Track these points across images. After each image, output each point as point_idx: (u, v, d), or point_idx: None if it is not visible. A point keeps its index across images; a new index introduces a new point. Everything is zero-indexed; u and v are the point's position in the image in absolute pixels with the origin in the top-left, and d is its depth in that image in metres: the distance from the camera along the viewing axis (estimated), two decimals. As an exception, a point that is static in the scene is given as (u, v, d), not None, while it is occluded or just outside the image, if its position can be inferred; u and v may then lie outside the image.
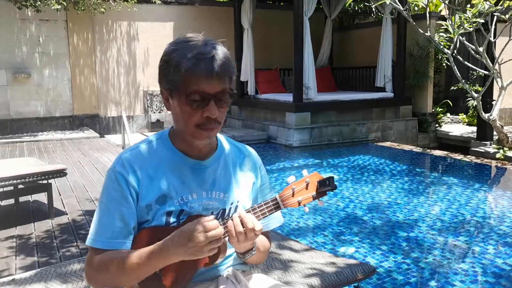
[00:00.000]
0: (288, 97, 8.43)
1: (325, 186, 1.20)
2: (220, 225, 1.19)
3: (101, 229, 1.23)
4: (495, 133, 7.26)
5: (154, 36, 9.69)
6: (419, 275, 2.96)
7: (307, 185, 1.22)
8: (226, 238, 1.22)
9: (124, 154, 1.29)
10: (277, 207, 1.22)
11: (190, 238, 1.11)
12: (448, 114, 10.34)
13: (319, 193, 1.21)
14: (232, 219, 1.20)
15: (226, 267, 1.37)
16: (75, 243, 3.22)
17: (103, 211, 1.24)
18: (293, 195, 1.22)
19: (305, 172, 1.24)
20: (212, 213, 1.30)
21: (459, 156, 6.82)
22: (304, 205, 1.23)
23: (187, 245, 1.11)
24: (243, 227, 1.18)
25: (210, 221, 1.13)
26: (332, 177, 1.20)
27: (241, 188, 1.37)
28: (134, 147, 1.32)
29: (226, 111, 1.24)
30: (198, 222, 1.13)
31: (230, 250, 1.36)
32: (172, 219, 1.26)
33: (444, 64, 9.45)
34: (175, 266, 1.21)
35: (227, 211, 1.33)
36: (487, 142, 7.49)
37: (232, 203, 1.34)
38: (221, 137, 1.40)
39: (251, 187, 1.40)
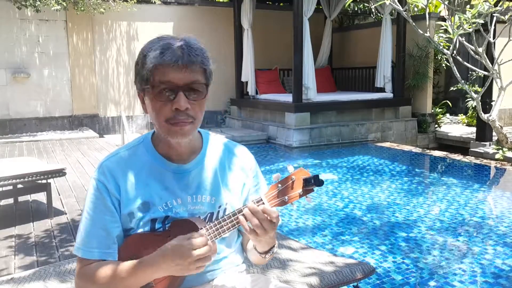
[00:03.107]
0: (287, 98, 8.44)
1: (310, 184, 1.15)
2: (207, 227, 1.17)
3: (85, 238, 1.22)
4: (494, 133, 7.26)
5: (154, 36, 9.63)
6: (418, 275, 2.96)
7: (292, 182, 1.16)
8: (217, 241, 1.19)
9: (104, 161, 1.26)
10: None
11: (177, 254, 1.09)
12: (448, 115, 10.34)
13: (306, 191, 1.16)
14: (244, 214, 1.15)
15: (221, 270, 1.34)
16: (74, 243, 3.21)
17: (86, 219, 1.22)
18: (279, 194, 1.17)
19: (290, 168, 1.18)
20: (199, 218, 1.26)
21: (458, 157, 6.82)
22: (292, 203, 1.17)
23: (174, 261, 1.09)
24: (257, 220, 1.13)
25: (199, 237, 1.10)
26: (317, 175, 1.15)
27: (230, 190, 1.32)
28: (115, 153, 1.28)
29: (201, 106, 1.18)
30: (186, 237, 1.10)
31: (224, 253, 1.34)
32: (157, 225, 1.23)
33: (443, 65, 9.46)
34: None
35: (215, 215, 1.29)
36: (486, 143, 7.49)
37: (220, 206, 1.30)
38: (211, 137, 1.36)
39: (241, 189, 1.34)
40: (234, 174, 1.34)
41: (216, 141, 1.36)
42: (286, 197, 1.16)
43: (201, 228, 1.18)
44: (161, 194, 1.24)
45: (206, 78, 1.18)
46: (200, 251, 1.09)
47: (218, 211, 1.30)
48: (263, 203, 1.16)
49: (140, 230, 1.23)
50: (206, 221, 1.27)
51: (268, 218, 1.14)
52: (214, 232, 1.17)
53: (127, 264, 1.16)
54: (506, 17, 6.32)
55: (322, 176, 1.19)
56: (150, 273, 1.14)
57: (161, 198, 1.24)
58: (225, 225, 1.18)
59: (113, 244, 1.22)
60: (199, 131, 1.33)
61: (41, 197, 4.27)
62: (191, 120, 1.17)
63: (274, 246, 1.28)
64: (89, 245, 1.21)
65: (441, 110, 9.74)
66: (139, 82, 1.19)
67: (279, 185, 1.17)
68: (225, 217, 1.19)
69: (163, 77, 1.13)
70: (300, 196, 1.16)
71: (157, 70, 1.13)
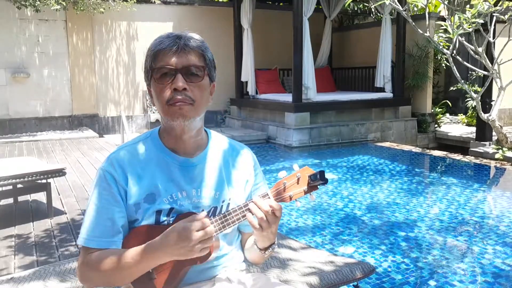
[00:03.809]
0: (287, 97, 8.44)
1: (316, 180, 1.19)
2: (213, 220, 1.19)
3: (91, 227, 1.23)
4: (494, 133, 7.26)
5: (154, 36, 9.36)
6: (418, 275, 2.96)
7: (298, 179, 1.21)
8: (220, 235, 1.22)
9: (113, 153, 1.29)
10: None
11: (180, 237, 1.11)
12: (447, 115, 10.35)
13: (311, 187, 1.20)
14: (250, 209, 1.19)
15: (222, 267, 1.36)
16: (74, 242, 3.22)
17: (92, 209, 1.24)
18: (284, 190, 1.21)
19: (296, 166, 1.23)
20: (202, 211, 1.28)
21: (458, 157, 6.82)
22: (296, 200, 1.22)
23: (178, 245, 1.11)
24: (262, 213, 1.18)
25: (200, 219, 1.12)
26: (323, 171, 1.19)
27: (233, 186, 1.36)
28: (124, 145, 1.32)
29: (201, 89, 1.23)
30: (188, 220, 1.12)
31: (225, 250, 1.35)
32: (162, 218, 1.25)
33: (443, 65, 9.46)
34: (168, 264, 1.21)
35: (218, 209, 1.32)
36: (486, 143, 7.49)
37: (223, 201, 1.33)
38: (214, 135, 1.40)
39: (244, 185, 1.38)
40: (238, 171, 1.38)
41: (220, 139, 1.41)
42: (291, 193, 1.20)
43: None
44: (167, 186, 1.26)
45: (205, 63, 1.25)
46: (203, 232, 1.11)
47: (222, 206, 1.33)
48: (269, 198, 1.21)
49: (144, 222, 1.25)
50: (210, 215, 1.30)
51: (272, 211, 1.19)
52: (219, 225, 1.20)
53: (132, 251, 1.18)
54: (506, 16, 6.32)
55: None
56: (156, 258, 1.15)
57: (167, 190, 1.26)
58: (230, 219, 1.21)
59: (118, 234, 1.24)
60: (204, 130, 1.37)
61: (41, 197, 4.27)
62: (190, 102, 1.21)
63: (273, 243, 1.32)
64: (94, 234, 1.22)
65: (441, 110, 9.74)
66: (145, 74, 1.27)
67: (285, 181, 1.21)
68: (230, 211, 1.21)
69: (162, 62, 1.21)
70: (305, 192, 1.20)
71: (157, 57, 1.22)
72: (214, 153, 1.36)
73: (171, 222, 1.25)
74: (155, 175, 1.26)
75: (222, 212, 1.29)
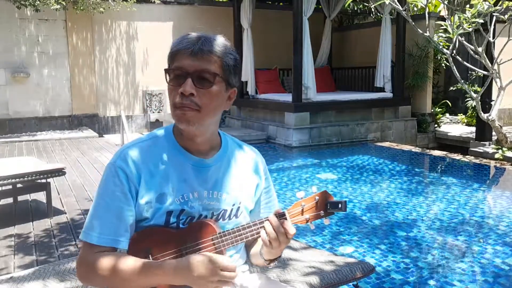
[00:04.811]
0: (287, 97, 8.43)
1: (336, 208, 1.20)
2: (225, 233, 1.20)
3: (97, 224, 1.18)
4: (494, 133, 7.27)
5: (154, 36, 9.68)
6: (418, 275, 2.96)
7: (316, 203, 1.21)
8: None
9: (126, 148, 1.25)
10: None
11: (204, 270, 1.11)
12: (447, 115, 10.35)
13: (328, 213, 1.22)
14: (264, 228, 1.20)
15: None
16: (74, 242, 3.22)
17: (100, 205, 1.20)
18: (302, 212, 1.22)
19: (314, 188, 1.23)
20: (212, 214, 1.27)
21: (458, 156, 6.82)
22: (311, 223, 1.23)
23: (199, 275, 1.11)
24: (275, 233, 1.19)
25: (231, 263, 1.13)
26: (345, 201, 1.20)
27: (244, 189, 1.34)
28: (137, 141, 1.27)
29: (210, 96, 1.18)
30: (218, 258, 1.12)
31: (229, 253, 1.34)
32: (172, 219, 1.22)
33: (443, 65, 9.46)
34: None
35: (228, 212, 1.29)
36: (486, 142, 7.49)
37: (234, 204, 1.30)
38: (226, 136, 1.38)
39: (254, 189, 1.37)
40: (249, 175, 1.36)
41: (231, 140, 1.38)
42: (308, 216, 1.22)
43: (219, 233, 1.21)
44: (179, 186, 1.23)
45: (221, 70, 1.20)
46: (228, 274, 1.12)
47: (232, 209, 1.30)
48: (285, 219, 1.21)
49: (154, 222, 1.22)
50: (219, 218, 1.28)
51: (285, 233, 1.19)
52: (231, 239, 1.20)
53: (137, 263, 1.15)
54: (506, 16, 6.32)
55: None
56: (169, 279, 1.14)
57: (178, 190, 1.23)
58: (244, 234, 1.21)
59: (125, 232, 1.20)
60: (218, 131, 1.35)
61: (40, 196, 4.27)
62: (196, 108, 1.18)
63: (280, 257, 1.32)
64: (99, 230, 1.17)
65: (441, 109, 9.75)
66: (165, 72, 1.24)
67: (303, 203, 1.22)
68: (245, 226, 1.22)
69: (177, 63, 1.18)
70: (321, 217, 1.22)
71: (174, 57, 1.20)
72: (227, 155, 1.33)
73: (180, 224, 1.23)
74: (168, 174, 1.23)
75: (231, 216, 1.29)
